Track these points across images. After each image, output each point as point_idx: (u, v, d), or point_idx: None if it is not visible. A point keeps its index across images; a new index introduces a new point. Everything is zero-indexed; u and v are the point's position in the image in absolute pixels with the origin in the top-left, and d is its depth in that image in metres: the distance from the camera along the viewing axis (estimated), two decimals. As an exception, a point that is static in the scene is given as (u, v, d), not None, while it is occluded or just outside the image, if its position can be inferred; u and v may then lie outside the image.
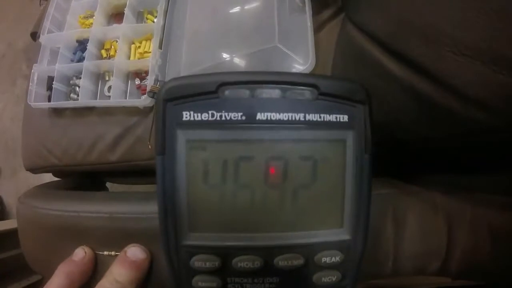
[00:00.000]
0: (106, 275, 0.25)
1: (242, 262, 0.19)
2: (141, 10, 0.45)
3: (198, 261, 0.19)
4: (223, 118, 0.18)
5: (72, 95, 0.44)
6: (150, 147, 0.40)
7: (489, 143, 0.23)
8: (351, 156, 0.19)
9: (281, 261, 0.19)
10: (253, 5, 0.36)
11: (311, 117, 0.18)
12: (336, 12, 0.34)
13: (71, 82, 0.44)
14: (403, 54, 0.23)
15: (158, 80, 0.40)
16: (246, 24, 0.37)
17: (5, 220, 0.85)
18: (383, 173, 0.29)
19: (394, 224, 0.27)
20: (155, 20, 0.43)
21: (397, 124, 0.25)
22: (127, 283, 0.25)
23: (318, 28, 0.34)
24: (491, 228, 0.26)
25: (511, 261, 0.26)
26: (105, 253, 0.27)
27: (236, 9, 0.37)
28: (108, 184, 0.51)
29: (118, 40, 0.43)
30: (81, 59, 0.44)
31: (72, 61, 0.45)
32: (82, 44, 0.45)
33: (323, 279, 0.19)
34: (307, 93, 0.18)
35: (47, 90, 0.44)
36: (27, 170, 0.46)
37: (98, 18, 0.44)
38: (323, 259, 0.19)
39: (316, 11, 0.34)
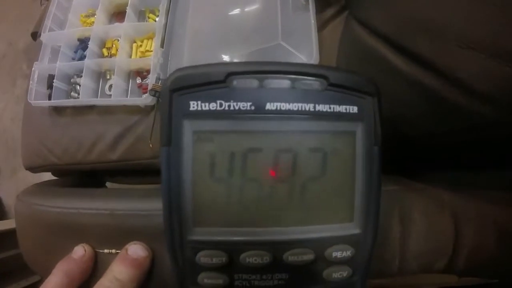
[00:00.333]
0: (106, 273, 0.24)
1: (250, 258, 0.18)
2: (143, 9, 0.45)
3: (204, 257, 0.18)
4: (232, 108, 0.17)
5: (72, 93, 0.43)
6: (151, 146, 0.40)
7: (494, 138, 0.23)
8: (361, 148, 0.18)
9: (291, 256, 0.18)
10: (256, 3, 0.36)
11: (320, 107, 0.18)
12: (339, 11, 0.34)
13: (72, 80, 0.43)
14: (408, 49, 0.23)
15: (159, 79, 0.39)
16: (249, 22, 0.36)
17: (4, 220, 0.83)
18: (388, 170, 0.28)
19: (400, 222, 0.26)
20: (156, 19, 0.42)
21: (403, 119, 0.25)
22: (127, 282, 0.24)
23: (321, 26, 0.34)
24: (497, 225, 0.25)
25: None
26: (106, 251, 0.26)
27: (239, 7, 0.37)
28: (108, 184, 0.49)
29: (119, 38, 0.42)
30: (82, 58, 0.43)
31: (73, 59, 0.44)
32: (83, 43, 0.44)
33: (333, 274, 0.19)
34: (316, 83, 0.18)
35: (48, 89, 0.43)
36: (26, 169, 0.44)
37: (100, 17, 0.44)
38: (334, 254, 0.18)
39: (319, 10, 0.34)
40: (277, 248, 0.18)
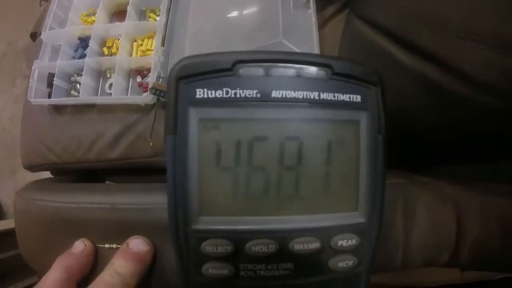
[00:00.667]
0: (107, 268, 0.24)
1: (256, 247, 0.18)
2: (144, 9, 0.45)
3: (209, 246, 0.18)
4: (238, 95, 0.17)
5: (72, 92, 0.43)
6: (151, 144, 0.40)
7: (497, 129, 0.23)
8: (365, 137, 0.19)
9: (297, 245, 0.18)
10: (257, 1, 0.36)
11: (325, 96, 0.18)
12: (340, 9, 0.35)
13: (72, 79, 0.43)
14: (412, 43, 0.23)
15: (160, 77, 0.39)
16: (250, 20, 0.37)
17: (2, 220, 0.82)
18: (392, 164, 0.29)
19: (404, 215, 0.26)
20: (157, 18, 0.43)
21: (407, 112, 0.25)
22: (128, 276, 0.23)
23: (322, 25, 0.35)
24: (501, 218, 0.26)
25: None
26: (106, 246, 0.26)
27: (240, 5, 0.38)
28: (107, 183, 0.49)
29: (120, 37, 0.42)
30: (82, 56, 0.43)
31: (73, 58, 0.44)
32: (83, 41, 0.44)
33: (339, 264, 0.19)
34: (321, 72, 0.18)
35: (48, 87, 0.43)
36: (25, 168, 0.44)
37: (101, 16, 0.44)
38: (339, 242, 0.18)
39: (320, 8, 0.35)
40: (283, 236, 0.18)
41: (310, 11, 0.33)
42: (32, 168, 0.44)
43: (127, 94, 0.41)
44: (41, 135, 0.43)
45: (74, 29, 0.44)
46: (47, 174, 0.47)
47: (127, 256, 0.24)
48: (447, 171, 0.28)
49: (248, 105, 0.17)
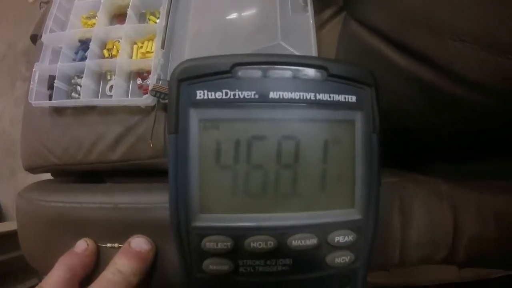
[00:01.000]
0: (109, 266, 0.25)
1: (255, 243, 0.19)
2: (144, 11, 0.46)
3: (209, 242, 0.19)
4: (237, 96, 0.18)
5: (73, 94, 0.44)
6: (151, 145, 0.40)
7: (491, 127, 0.24)
8: (360, 136, 0.19)
9: (295, 241, 0.19)
10: (256, 4, 0.37)
11: (321, 96, 0.19)
12: (337, 11, 0.36)
13: (72, 81, 0.44)
14: (405, 45, 0.24)
15: (160, 79, 0.40)
16: (248, 23, 0.38)
17: (2, 222, 0.83)
18: (387, 163, 0.29)
19: (401, 213, 0.27)
20: (157, 20, 0.44)
21: (402, 113, 0.26)
22: (130, 274, 0.24)
23: (320, 27, 0.36)
24: (497, 215, 0.26)
25: None
26: (108, 245, 0.27)
27: (239, 8, 0.39)
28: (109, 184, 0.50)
29: (120, 40, 0.43)
30: (83, 59, 0.44)
31: (74, 60, 0.45)
32: (84, 44, 0.45)
33: (336, 260, 0.19)
34: (317, 74, 0.19)
35: (48, 89, 0.44)
36: (26, 169, 0.45)
37: (101, 18, 0.45)
38: (336, 239, 0.19)
39: (317, 10, 0.36)
40: (281, 233, 0.19)
41: (308, 13, 0.34)
42: (33, 169, 0.45)
43: (127, 96, 0.42)
44: (42, 137, 0.44)
45: (75, 31, 0.45)
46: (47, 176, 0.48)
47: (129, 255, 0.25)
48: (443, 169, 0.29)
49: (247, 106, 0.18)
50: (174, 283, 0.26)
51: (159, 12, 0.43)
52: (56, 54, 0.46)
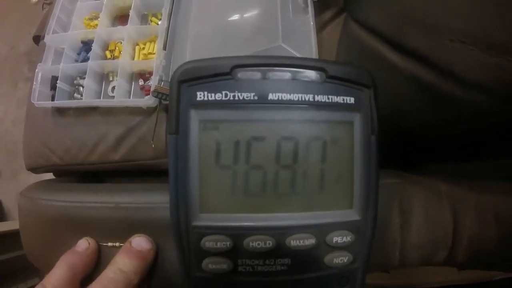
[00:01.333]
0: (110, 265, 0.25)
1: (254, 242, 0.19)
2: (146, 13, 0.47)
3: (209, 242, 0.19)
4: (236, 98, 0.19)
5: (75, 95, 0.44)
6: (153, 146, 0.41)
7: (490, 126, 0.24)
8: (359, 137, 0.20)
9: (293, 241, 0.19)
10: (257, 6, 0.38)
11: (319, 98, 0.19)
12: (338, 13, 0.36)
13: (75, 82, 0.45)
14: (404, 45, 0.24)
15: (162, 80, 0.41)
16: (250, 25, 0.38)
17: (4, 222, 0.84)
18: (387, 164, 0.30)
19: (400, 214, 0.27)
20: (159, 22, 0.44)
21: (401, 113, 0.27)
22: (131, 273, 0.25)
23: (320, 28, 0.36)
24: (497, 215, 0.27)
25: None
26: (109, 244, 0.27)
27: (240, 10, 0.39)
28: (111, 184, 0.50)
29: (122, 41, 0.44)
30: (85, 60, 0.45)
31: (76, 61, 0.46)
32: (86, 45, 0.46)
33: (334, 260, 0.20)
34: (315, 76, 0.19)
35: (51, 90, 0.45)
36: (28, 169, 0.46)
37: (103, 20, 0.45)
38: (334, 239, 0.19)
39: (318, 12, 0.36)
40: (280, 233, 0.19)
41: (308, 15, 0.34)
42: (35, 169, 0.46)
43: (129, 97, 0.43)
44: (44, 137, 0.45)
45: (77, 32, 0.46)
46: (49, 176, 0.49)
47: (130, 254, 0.25)
48: (442, 170, 0.29)
49: (246, 107, 0.19)
50: (174, 282, 0.27)
51: (161, 14, 0.44)
52: (58, 55, 0.46)
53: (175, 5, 0.44)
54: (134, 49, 0.44)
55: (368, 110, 0.20)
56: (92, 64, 0.43)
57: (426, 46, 0.23)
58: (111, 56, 0.45)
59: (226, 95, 0.18)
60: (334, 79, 0.19)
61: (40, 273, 0.67)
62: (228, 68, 0.19)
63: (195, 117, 0.19)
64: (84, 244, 0.27)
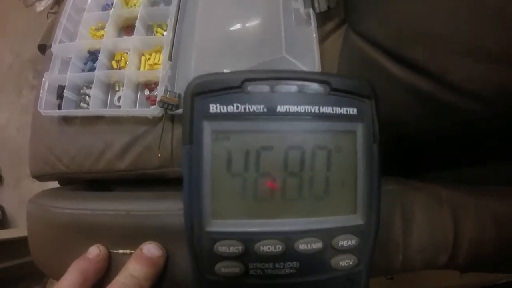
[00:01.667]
0: (122, 271, 0.26)
1: (264, 246, 0.20)
2: (151, 24, 0.49)
3: (221, 246, 0.20)
4: (247, 110, 0.20)
5: (82, 104, 0.46)
6: (159, 155, 0.42)
7: (486, 132, 0.26)
8: (361, 146, 0.21)
9: (301, 245, 0.21)
10: (260, 17, 0.40)
11: (324, 109, 0.21)
12: (339, 24, 0.38)
13: (81, 91, 0.47)
14: (403, 57, 0.26)
15: (168, 91, 0.42)
16: (253, 36, 0.40)
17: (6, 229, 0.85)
18: (390, 172, 0.31)
19: (402, 219, 0.29)
20: (164, 33, 0.47)
21: (401, 121, 0.28)
22: (142, 279, 0.26)
23: (323, 39, 0.38)
24: (497, 219, 0.28)
25: None
26: (120, 251, 0.28)
27: (244, 21, 0.41)
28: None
29: (128, 51, 0.46)
30: (91, 69, 0.47)
31: (83, 70, 0.47)
32: (93, 55, 0.48)
33: (340, 263, 0.21)
34: (320, 88, 0.21)
35: (57, 99, 0.47)
36: (33, 177, 0.47)
37: (110, 30, 0.48)
38: (340, 243, 0.21)
39: (320, 23, 0.38)
40: (288, 237, 0.21)
41: (311, 27, 0.36)
42: (40, 177, 0.47)
43: (135, 107, 0.45)
44: (50, 145, 0.46)
45: (84, 42, 0.48)
46: (53, 184, 0.50)
47: (141, 261, 0.27)
48: (443, 177, 0.30)
49: (256, 118, 0.20)
50: (184, 288, 0.28)
51: (166, 25, 0.46)
52: (65, 64, 0.48)
53: (180, 16, 0.46)
54: (140, 60, 0.46)
55: (370, 120, 0.22)
56: (99, 74, 0.45)
57: (424, 57, 0.25)
58: (117, 66, 0.47)
59: (237, 107, 0.20)
60: (337, 91, 0.21)
61: (42, 281, 0.67)
62: (239, 82, 0.20)
63: (208, 128, 0.20)
64: (95, 251, 0.29)
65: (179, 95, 0.40)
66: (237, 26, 0.41)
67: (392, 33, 0.28)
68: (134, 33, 0.45)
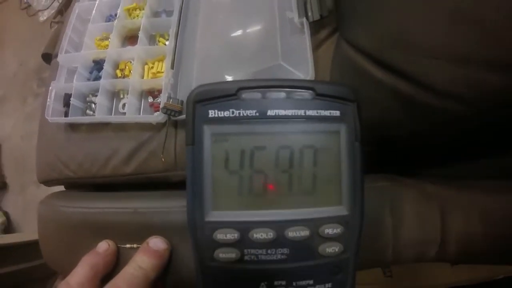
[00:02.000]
0: (130, 263, 0.31)
1: (257, 234, 0.25)
2: (154, 34, 0.54)
3: (220, 234, 0.25)
4: (241, 114, 0.25)
5: (88, 111, 0.51)
6: (163, 160, 0.47)
7: (468, 130, 0.30)
8: (345, 144, 0.26)
9: (291, 233, 0.25)
10: (258, 27, 0.45)
11: (310, 112, 0.25)
12: (332, 32, 0.43)
13: (87, 99, 0.52)
14: (386, 62, 0.31)
15: (170, 98, 0.47)
16: (252, 45, 0.45)
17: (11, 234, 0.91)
18: (380, 169, 0.35)
19: (391, 213, 0.33)
20: (166, 42, 0.52)
21: (388, 123, 0.32)
22: (149, 270, 0.30)
23: (316, 47, 0.43)
24: (483, 212, 0.32)
25: (502, 240, 0.32)
26: (127, 246, 0.33)
27: (242, 31, 0.46)
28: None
29: (132, 61, 0.51)
30: (97, 78, 0.52)
31: (88, 79, 0.53)
32: (98, 64, 0.53)
33: (327, 249, 0.25)
34: (306, 94, 0.26)
35: (64, 106, 0.52)
36: (40, 182, 0.52)
37: (114, 40, 0.53)
38: (326, 231, 0.25)
39: (314, 32, 0.43)
40: (279, 226, 0.25)
41: (305, 35, 0.41)
42: (47, 182, 0.52)
43: (139, 114, 0.50)
44: (57, 152, 0.51)
45: (89, 52, 0.53)
46: (58, 190, 0.55)
47: (148, 253, 0.31)
48: (430, 173, 0.34)
49: (250, 122, 0.25)
50: (187, 280, 0.32)
51: (168, 35, 0.51)
52: (71, 73, 0.54)
53: (181, 26, 0.51)
54: (143, 68, 0.51)
55: (352, 121, 0.26)
56: (104, 82, 0.50)
57: (405, 62, 0.30)
58: (122, 75, 0.52)
59: (233, 113, 0.25)
60: (322, 96, 0.26)
61: (47, 286, 0.72)
62: (234, 90, 0.25)
63: (207, 131, 0.25)
64: (104, 246, 0.33)
65: (182, 101, 0.45)
66: (236, 35, 0.46)
67: (376, 39, 0.32)
68: (138, 43, 0.51)
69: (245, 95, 0.25)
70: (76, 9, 0.56)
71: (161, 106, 0.45)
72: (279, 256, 0.25)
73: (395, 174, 0.36)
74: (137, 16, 0.55)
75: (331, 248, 0.25)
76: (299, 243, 0.25)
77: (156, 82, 0.49)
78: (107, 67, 0.51)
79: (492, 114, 0.29)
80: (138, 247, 0.33)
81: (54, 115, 0.51)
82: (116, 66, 0.53)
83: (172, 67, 0.48)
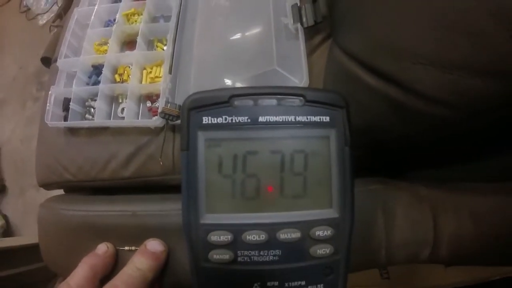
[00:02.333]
0: (128, 264, 0.32)
1: (250, 236, 0.26)
2: (152, 39, 0.56)
3: (214, 236, 0.26)
4: (234, 121, 0.26)
5: (87, 115, 0.53)
6: (161, 163, 0.49)
7: (458, 134, 0.31)
8: (334, 149, 0.27)
9: (282, 235, 0.26)
10: (254, 33, 0.47)
11: (300, 118, 0.27)
12: (326, 38, 0.44)
13: (86, 103, 0.54)
14: (376, 68, 0.32)
15: (168, 102, 0.49)
16: (247, 50, 0.47)
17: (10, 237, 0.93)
18: (372, 173, 0.37)
19: (384, 216, 0.34)
20: (164, 47, 0.54)
21: (379, 128, 0.34)
22: (147, 271, 0.32)
23: (311, 52, 0.44)
24: (473, 213, 0.33)
25: (493, 241, 0.33)
26: (126, 248, 0.35)
27: (239, 37, 0.48)
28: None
29: (130, 66, 0.53)
30: (96, 83, 0.54)
31: (87, 84, 0.55)
32: (97, 69, 0.55)
33: (318, 251, 0.27)
34: (296, 101, 0.27)
35: (63, 111, 0.54)
36: (40, 186, 0.54)
37: (112, 46, 0.55)
38: (317, 233, 0.26)
39: (308, 37, 0.44)
40: (271, 228, 0.26)
41: (299, 41, 0.42)
42: (47, 185, 0.54)
43: (138, 118, 0.51)
44: (57, 155, 0.53)
45: (88, 57, 0.55)
46: (58, 193, 0.57)
47: (145, 255, 0.33)
48: (423, 176, 0.36)
49: (242, 128, 0.26)
50: (183, 281, 0.34)
51: (166, 40, 0.53)
52: (70, 77, 0.56)
53: (179, 31, 0.53)
54: (141, 73, 0.53)
55: (341, 126, 0.27)
56: (103, 87, 0.52)
57: (393, 69, 0.31)
58: (120, 79, 0.54)
59: (225, 119, 0.26)
60: (312, 103, 0.27)
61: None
62: (227, 97, 0.26)
63: (201, 137, 0.26)
64: (103, 248, 0.35)
65: (179, 106, 0.46)
66: (233, 40, 0.48)
67: (367, 46, 0.33)
68: (136, 48, 0.53)
69: (238, 102, 0.26)
70: (75, 14, 0.58)
71: (159, 110, 0.47)
72: (271, 258, 0.27)
73: (388, 177, 0.37)
74: (136, 21, 0.57)
75: (322, 250, 0.27)
76: (290, 244, 0.26)
77: (154, 86, 0.51)
78: (106, 72, 0.53)
79: (480, 119, 0.30)
80: (136, 249, 0.34)
81: (53, 119, 0.52)
82: (114, 71, 0.55)
83: (170, 72, 0.50)
